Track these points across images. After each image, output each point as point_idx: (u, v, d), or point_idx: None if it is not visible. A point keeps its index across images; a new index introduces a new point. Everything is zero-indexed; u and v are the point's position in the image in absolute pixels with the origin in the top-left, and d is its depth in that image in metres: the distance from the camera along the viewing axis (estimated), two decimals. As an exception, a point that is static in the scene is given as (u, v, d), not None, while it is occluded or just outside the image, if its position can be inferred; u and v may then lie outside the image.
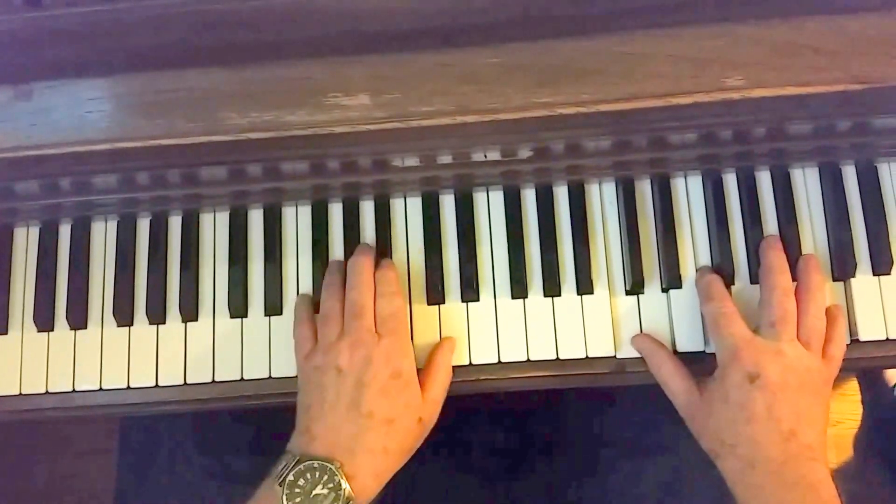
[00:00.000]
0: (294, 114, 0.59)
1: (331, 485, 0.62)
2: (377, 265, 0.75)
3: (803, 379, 0.66)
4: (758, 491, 0.64)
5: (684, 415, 0.70)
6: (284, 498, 0.62)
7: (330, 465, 0.63)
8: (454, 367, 0.74)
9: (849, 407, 1.53)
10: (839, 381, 1.53)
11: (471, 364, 0.75)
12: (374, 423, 0.66)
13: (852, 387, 1.54)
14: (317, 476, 0.63)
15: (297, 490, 0.63)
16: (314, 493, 0.62)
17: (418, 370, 0.71)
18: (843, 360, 0.73)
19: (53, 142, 0.60)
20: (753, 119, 0.62)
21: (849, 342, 0.72)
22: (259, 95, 0.59)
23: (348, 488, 0.63)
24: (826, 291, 0.71)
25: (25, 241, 0.80)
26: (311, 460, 0.63)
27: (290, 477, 0.63)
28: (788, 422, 0.64)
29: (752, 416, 0.64)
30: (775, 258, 0.71)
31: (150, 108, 0.59)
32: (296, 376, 0.73)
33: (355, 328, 0.69)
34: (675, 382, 0.70)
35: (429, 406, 0.70)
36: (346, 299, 0.72)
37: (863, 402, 1.54)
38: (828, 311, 0.71)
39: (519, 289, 0.75)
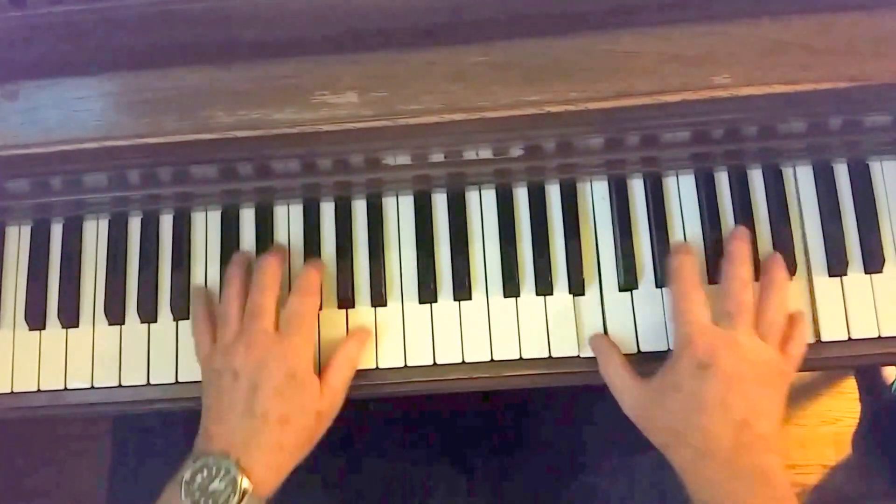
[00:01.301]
0: (281, 112, 0.59)
1: (227, 479, 0.63)
2: (309, 262, 0.76)
3: (758, 370, 0.66)
4: (709, 481, 0.64)
5: (631, 411, 0.69)
6: (182, 493, 0.63)
7: (225, 460, 0.64)
8: (448, 366, 0.74)
9: (847, 405, 1.54)
10: (837, 379, 1.54)
11: (463, 362, 0.74)
12: (268, 424, 0.66)
13: (850, 385, 1.54)
14: (213, 471, 0.64)
15: (195, 486, 0.63)
16: (210, 487, 0.63)
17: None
18: (838, 357, 0.73)
19: (41, 141, 0.60)
20: (743, 117, 0.62)
21: (843, 340, 0.72)
22: (246, 94, 0.59)
23: (244, 481, 0.63)
24: (790, 290, 0.71)
25: (17, 240, 0.79)
26: (206, 457, 0.64)
27: (187, 475, 0.64)
28: (741, 411, 0.64)
29: (704, 404, 0.64)
30: (738, 249, 0.71)
31: (138, 107, 0.59)
32: None
33: (252, 330, 0.70)
34: (620, 378, 0.70)
35: (327, 398, 0.70)
36: (248, 298, 0.72)
37: (861, 400, 1.54)
38: (792, 315, 0.71)
39: (511, 287, 0.75)
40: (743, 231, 0.73)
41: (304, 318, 0.71)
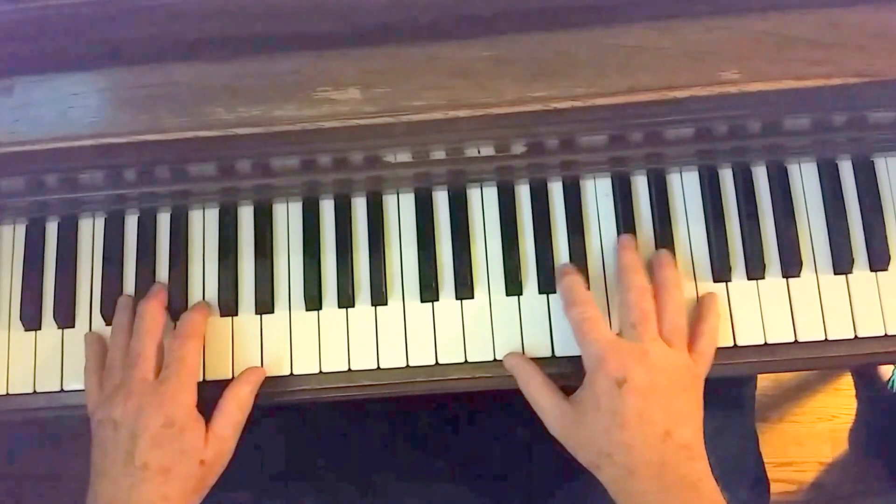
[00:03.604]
0: (282, 108, 0.58)
1: None
2: (194, 306, 0.75)
3: (671, 377, 0.66)
4: (640, 497, 0.64)
5: (557, 431, 0.69)
6: None
7: None
8: (450, 365, 0.74)
9: (843, 402, 1.54)
10: (834, 376, 1.54)
11: (466, 362, 0.74)
12: (149, 475, 0.65)
13: (847, 382, 1.55)
14: None
15: None
16: None
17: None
18: (844, 357, 0.72)
19: (36, 138, 0.59)
20: (750, 113, 0.61)
21: (849, 338, 0.72)
22: (246, 90, 0.58)
23: None
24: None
25: (12, 239, 0.79)
26: None
27: None
28: (662, 423, 0.64)
29: (624, 421, 0.64)
30: (629, 258, 0.71)
31: (135, 103, 0.58)
32: (289, 374, 0.73)
33: (129, 378, 0.69)
34: (543, 398, 0.69)
35: (213, 445, 0.69)
36: (129, 346, 0.71)
37: (857, 397, 1.54)
38: (701, 306, 0.72)
39: (514, 286, 0.74)
40: (629, 239, 0.73)
41: (184, 361, 0.70)
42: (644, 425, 0.64)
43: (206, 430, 0.69)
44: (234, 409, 0.70)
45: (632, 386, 0.64)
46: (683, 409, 0.65)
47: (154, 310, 0.73)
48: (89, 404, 0.71)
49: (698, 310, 0.72)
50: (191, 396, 0.69)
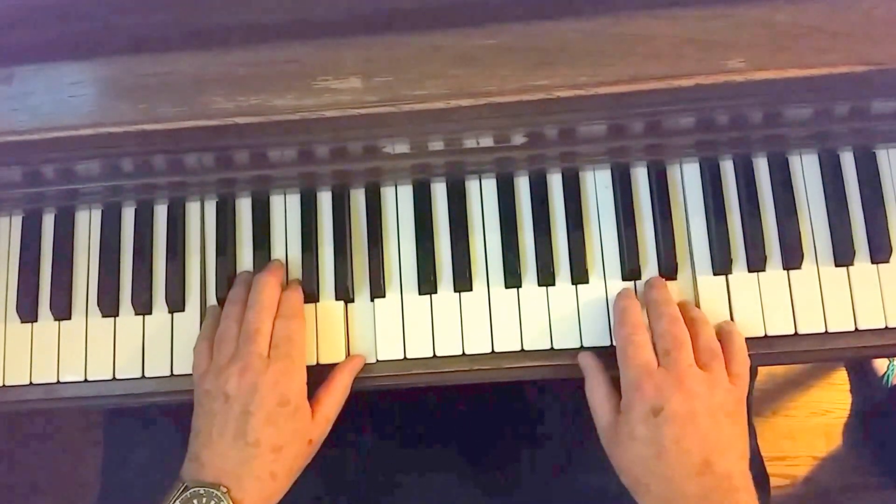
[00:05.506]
0: (282, 98, 0.57)
1: None
2: (285, 286, 0.75)
3: (710, 403, 0.64)
4: None
5: (603, 443, 0.68)
6: None
7: (216, 491, 0.63)
8: (449, 358, 0.73)
9: (837, 396, 1.55)
10: (828, 370, 1.54)
11: (464, 354, 0.74)
12: (260, 451, 0.66)
13: (841, 376, 1.55)
14: (204, 501, 0.63)
15: None
16: None
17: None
18: (841, 349, 0.72)
19: (35, 127, 0.58)
20: (754, 102, 0.61)
21: (850, 331, 0.72)
22: (246, 79, 0.58)
23: None
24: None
25: (8, 231, 0.78)
26: (198, 486, 0.64)
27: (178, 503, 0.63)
28: (700, 453, 0.62)
29: (661, 450, 0.62)
30: (660, 294, 0.71)
31: (134, 92, 0.58)
32: None
33: (246, 353, 0.68)
34: (603, 408, 0.68)
35: (319, 426, 0.70)
36: (243, 319, 0.71)
37: (851, 391, 1.55)
38: (720, 330, 0.70)
39: (513, 278, 0.74)
40: (660, 280, 0.73)
41: (293, 341, 0.70)
42: (682, 455, 0.62)
43: (313, 411, 0.70)
44: (341, 392, 0.72)
45: (668, 414, 0.63)
46: (724, 436, 0.63)
47: (273, 286, 0.72)
48: (196, 371, 0.71)
49: (720, 333, 0.70)
50: (303, 377, 0.70)
